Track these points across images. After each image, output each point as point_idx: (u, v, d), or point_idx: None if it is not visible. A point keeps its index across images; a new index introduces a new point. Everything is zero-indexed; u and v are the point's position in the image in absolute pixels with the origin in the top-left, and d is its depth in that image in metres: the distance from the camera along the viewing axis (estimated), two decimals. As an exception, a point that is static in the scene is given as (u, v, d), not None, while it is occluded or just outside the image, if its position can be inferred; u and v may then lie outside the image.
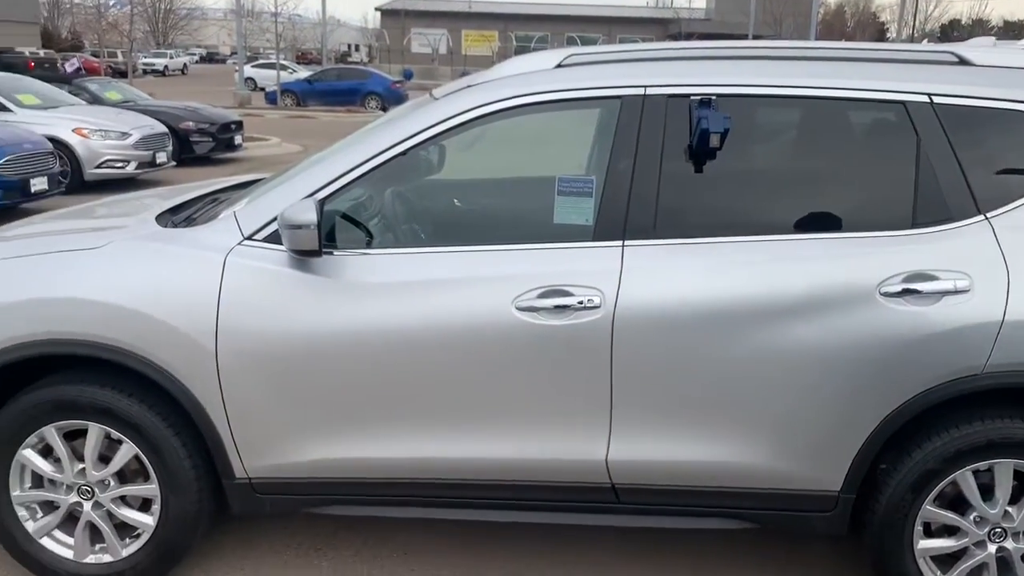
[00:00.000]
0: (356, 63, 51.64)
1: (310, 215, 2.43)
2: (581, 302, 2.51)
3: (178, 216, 3.06)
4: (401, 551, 3.11)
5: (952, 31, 48.48)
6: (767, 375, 2.48)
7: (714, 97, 2.56)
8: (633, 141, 2.59)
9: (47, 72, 22.34)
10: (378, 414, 2.62)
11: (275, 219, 2.57)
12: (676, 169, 2.60)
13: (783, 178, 2.78)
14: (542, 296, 2.52)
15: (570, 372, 2.55)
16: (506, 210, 3.36)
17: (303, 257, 2.55)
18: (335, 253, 2.63)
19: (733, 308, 2.47)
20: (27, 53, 28.78)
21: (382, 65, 43.67)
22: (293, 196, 2.61)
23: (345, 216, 2.79)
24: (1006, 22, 53.65)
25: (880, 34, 48.57)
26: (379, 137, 2.69)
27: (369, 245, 2.77)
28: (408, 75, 34.59)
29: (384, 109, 22.84)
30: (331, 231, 2.69)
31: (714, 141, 2.49)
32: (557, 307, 2.51)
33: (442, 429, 2.63)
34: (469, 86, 2.79)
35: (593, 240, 2.58)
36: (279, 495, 2.76)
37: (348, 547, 3.13)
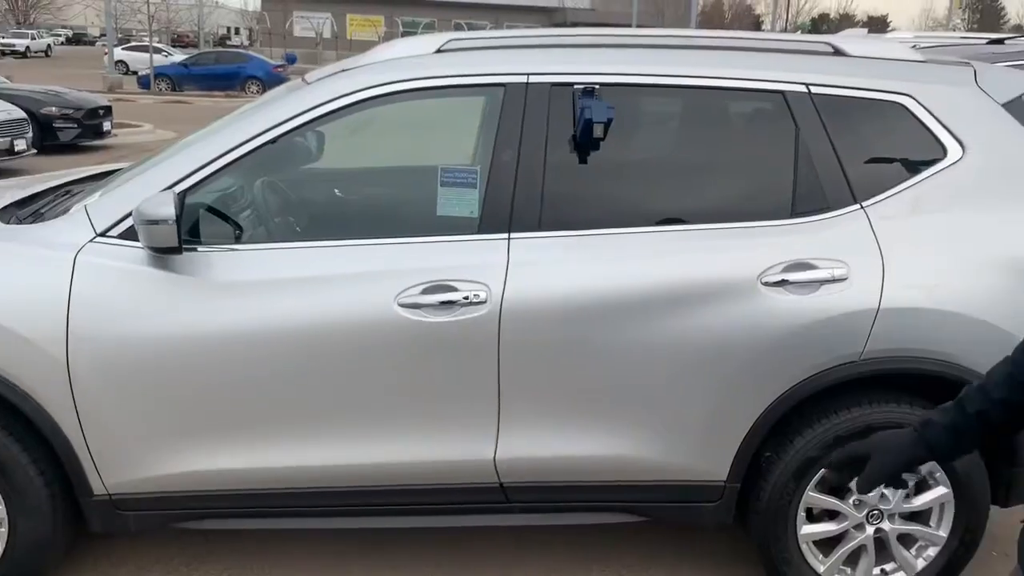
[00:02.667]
0: (236, 47, 49.78)
1: (168, 209, 2.23)
2: (467, 297, 2.41)
3: (24, 211, 2.79)
4: (278, 565, 2.94)
5: (822, 24, 50.78)
6: (653, 367, 2.46)
7: (597, 86, 2.51)
8: (517, 131, 2.51)
9: None
10: (250, 422, 2.46)
11: (130, 214, 2.36)
12: (561, 160, 2.54)
13: (668, 169, 2.76)
14: (426, 292, 2.41)
15: (456, 370, 2.46)
16: (388, 201, 3.23)
17: (162, 255, 2.35)
18: (199, 250, 2.44)
19: (619, 301, 2.43)
20: None
21: (263, 49, 42.25)
22: (150, 188, 2.41)
23: (211, 209, 2.61)
24: (870, 17, 56.68)
25: (756, 26, 50.40)
26: (246, 124, 2.52)
27: (239, 240, 2.59)
28: (291, 59, 33.53)
29: (266, 94, 22.02)
30: (195, 226, 2.50)
31: (597, 131, 2.43)
32: (442, 303, 2.41)
33: (323, 435, 2.50)
34: (343, 70, 2.64)
35: (478, 233, 2.49)
36: (143, 511, 2.55)
37: (218, 563, 2.94)
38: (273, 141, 2.49)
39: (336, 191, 3.43)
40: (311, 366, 2.43)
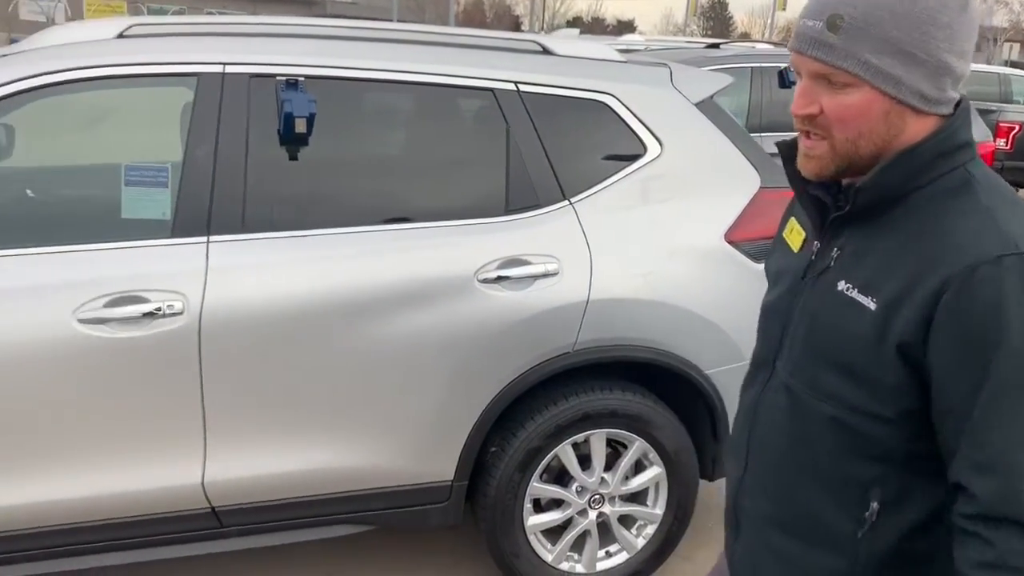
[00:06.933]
0: (-52, 29, 43.90)
1: None
2: (159, 309, 2.20)
3: None
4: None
5: (576, 26, 53.40)
6: (369, 371, 2.37)
7: (302, 78, 2.37)
8: (213, 125, 2.33)
9: None
10: None
11: None
12: (265, 156, 2.38)
13: (382, 166, 2.67)
14: (110, 305, 2.17)
15: (153, 390, 2.24)
16: (71, 204, 2.88)
17: None
18: None
19: (330, 304, 2.32)
20: None
21: (-18, 33, 37.60)
22: None
23: None
24: (619, 20, 60.37)
25: (516, 27, 52.06)
26: None
27: None
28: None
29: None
30: None
31: (300, 126, 2.30)
32: (130, 317, 2.17)
33: (6, 473, 2.18)
34: (3, 55, 2.31)
35: (172, 237, 2.28)
36: None
37: None
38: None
39: (16, 192, 3.02)
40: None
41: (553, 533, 2.74)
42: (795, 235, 1.29)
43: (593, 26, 52.41)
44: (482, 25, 47.74)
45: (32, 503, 2.22)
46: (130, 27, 2.40)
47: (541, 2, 48.94)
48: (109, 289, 2.17)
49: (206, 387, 2.26)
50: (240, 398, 2.30)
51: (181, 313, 2.21)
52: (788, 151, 1.21)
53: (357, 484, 2.47)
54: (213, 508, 2.37)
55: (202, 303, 2.23)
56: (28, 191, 3.10)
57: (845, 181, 1.17)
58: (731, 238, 2.66)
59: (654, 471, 2.75)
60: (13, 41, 30.64)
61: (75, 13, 43.18)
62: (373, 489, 2.49)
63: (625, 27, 54.28)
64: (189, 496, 2.33)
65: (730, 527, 1.35)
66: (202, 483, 2.32)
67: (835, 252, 1.16)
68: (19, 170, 3.08)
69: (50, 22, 40.38)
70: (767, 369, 1.26)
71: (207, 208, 2.29)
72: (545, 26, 49.69)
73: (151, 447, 2.28)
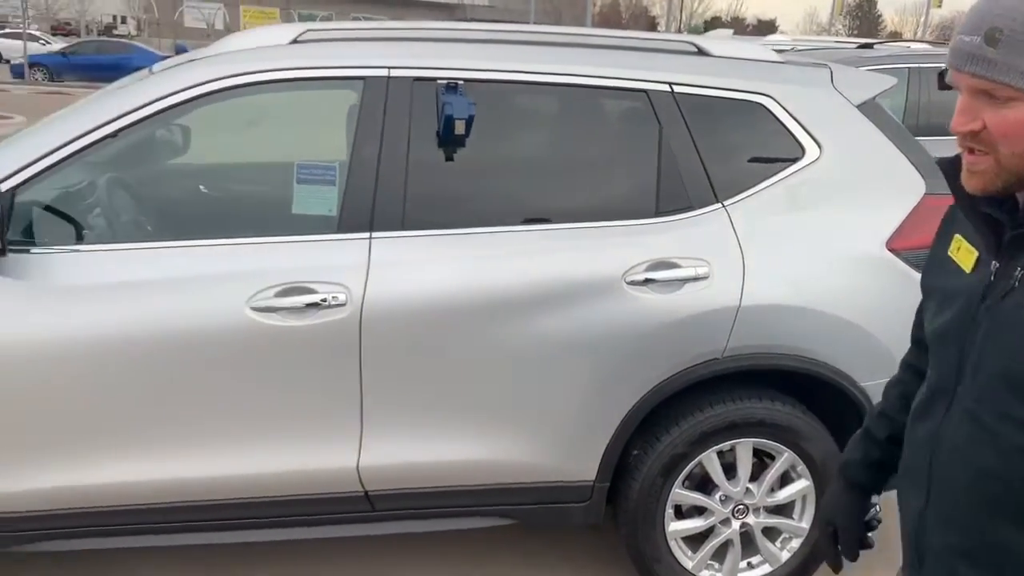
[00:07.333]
0: (123, 36, 47.61)
1: (-16, 208, 2.06)
2: (325, 300, 2.31)
3: None
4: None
5: (714, 27, 52.31)
6: (518, 368, 2.42)
7: (460, 82, 2.45)
8: (378, 126, 2.43)
9: None
10: (94, 436, 2.30)
11: (-50, 212, 2.16)
12: (424, 157, 2.46)
13: (533, 167, 2.72)
14: (281, 295, 2.30)
15: (315, 376, 2.36)
16: (245, 199, 3.08)
17: (-16, 257, 2.17)
18: (32, 251, 2.26)
19: (483, 301, 2.37)
20: None
21: (152, 39, 40.55)
22: (-27, 185, 2.21)
23: (50, 208, 2.42)
24: (759, 20, 58.72)
25: (652, 27, 51.54)
26: (82, 117, 2.34)
27: (80, 241, 2.42)
28: (181, 51, 32.29)
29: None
30: (29, 225, 2.32)
31: (459, 128, 2.37)
32: (298, 306, 2.30)
33: (178, 448, 2.35)
34: (192, 60, 2.49)
35: (338, 232, 2.39)
36: (-26, 535, 2.35)
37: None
38: (113, 135, 2.33)
39: (194, 188, 3.26)
40: (160, 374, 2.29)
41: (694, 540, 2.71)
42: (965, 254, 1.22)
43: (733, 26, 51.13)
44: (618, 26, 47.45)
45: (206, 477, 2.38)
46: (304, 32, 2.54)
47: (678, 2, 48.17)
48: (280, 280, 2.30)
49: (365, 375, 2.36)
50: (395, 387, 2.39)
51: (344, 305, 2.32)
52: (950, 167, 1.17)
53: (502, 477, 2.52)
54: (366, 492, 2.47)
55: (363, 296, 2.33)
56: (201, 187, 3.35)
57: (1022, 197, 1.11)
58: (893, 246, 2.54)
59: (802, 484, 2.67)
60: (178, 45, 32.85)
61: (232, 19, 45.91)
62: (517, 484, 2.53)
63: (766, 27, 52.73)
64: (345, 479, 2.44)
65: (910, 565, 1.29)
66: (357, 467, 2.43)
67: (1019, 272, 1.10)
68: (194, 167, 3.31)
69: (210, 28, 43.10)
70: (946, 398, 1.20)
71: (371, 206, 2.39)
72: (682, 27, 48.90)
73: (311, 430, 2.40)
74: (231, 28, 43.83)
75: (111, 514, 2.40)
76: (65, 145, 2.29)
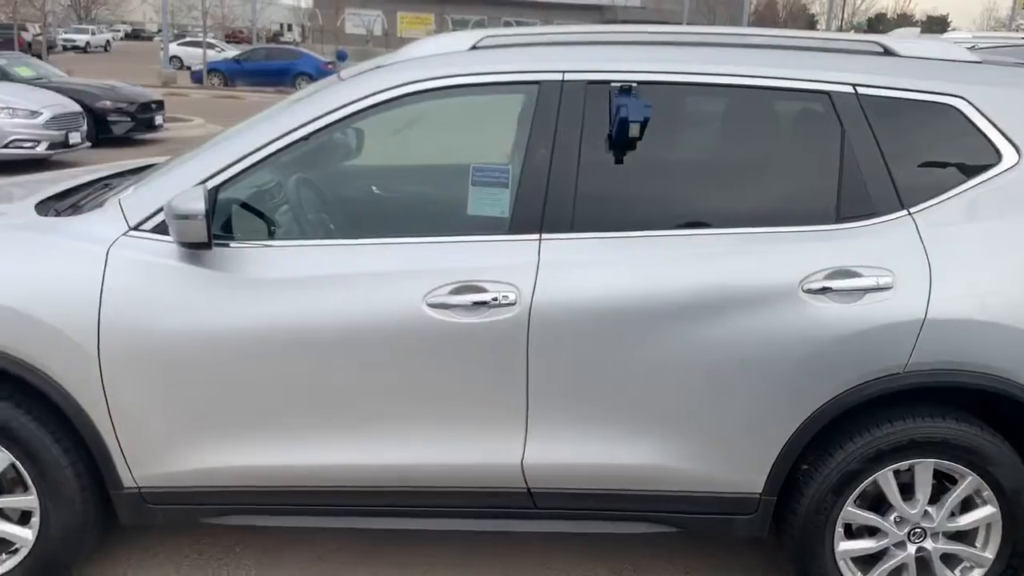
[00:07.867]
0: (288, 43, 50.43)
1: (198, 204, 2.23)
2: (496, 299, 2.37)
3: (63, 203, 2.82)
4: (311, 560, 2.94)
5: (879, 24, 49.68)
6: (686, 375, 2.39)
7: (635, 84, 2.44)
8: (551, 129, 2.46)
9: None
10: (275, 419, 2.45)
11: (162, 208, 2.36)
12: (596, 159, 2.48)
13: (707, 170, 2.68)
14: (454, 292, 2.37)
15: (484, 372, 2.42)
16: (420, 200, 3.19)
17: (192, 249, 2.35)
18: (231, 245, 2.44)
19: (653, 305, 2.36)
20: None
21: (315, 46, 42.68)
22: (183, 183, 2.41)
23: (245, 205, 2.60)
24: (928, 16, 55.31)
25: (811, 26, 49.50)
26: (278, 121, 2.51)
27: (271, 237, 2.59)
28: (342, 56, 33.80)
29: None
30: (228, 221, 2.50)
31: (634, 130, 2.37)
32: (470, 304, 2.37)
33: (350, 435, 2.48)
34: (378, 67, 2.61)
35: (509, 233, 2.45)
36: (171, 505, 2.56)
37: (251, 555, 2.94)
38: (305, 138, 2.47)
39: (369, 189, 3.41)
40: (336, 365, 2.41)
41: (864, 562, 2.59)
42: None
43: (900, 23, 48.39)
44: (775, 25, 45.88)
45: (375, 464, 2.48)
46: (483, 39, 2.61)
47: (839, 0, 46.05)
48: (455, 278, 2.38)
49: (531, 374, 2.40)
50: (561, 387, 2.41)
51: (514, 304, 2.37)
52: None
53: (666, 484, 2.49)
54: (529, 489, 2.51)
55: (532, 296, 2.37)
56: (373, 188, 3.50)
57: None
58: (1103, 260, 2.34)
59: (987, 510, 2.50)
60: (340, 51, 34.39)
61: (390, 25, 47.69)
62: (681, 491, 2.50)
63: (936, 23, 49.61)
64: (509, 475, 2.49)
65: None
66: (521, 464, 2.47)
67: None
68: (370, 168, 3.46)
69: (369, 34, 44.95)
70: None
71: (541, 208, 2.43)
72: (843, 24, 46.71)
73: (478, 425, 2.47)
74: (389, 34, 45.55)
75: (291, 494, 2.54)
76: (262, 147, 2.45)
